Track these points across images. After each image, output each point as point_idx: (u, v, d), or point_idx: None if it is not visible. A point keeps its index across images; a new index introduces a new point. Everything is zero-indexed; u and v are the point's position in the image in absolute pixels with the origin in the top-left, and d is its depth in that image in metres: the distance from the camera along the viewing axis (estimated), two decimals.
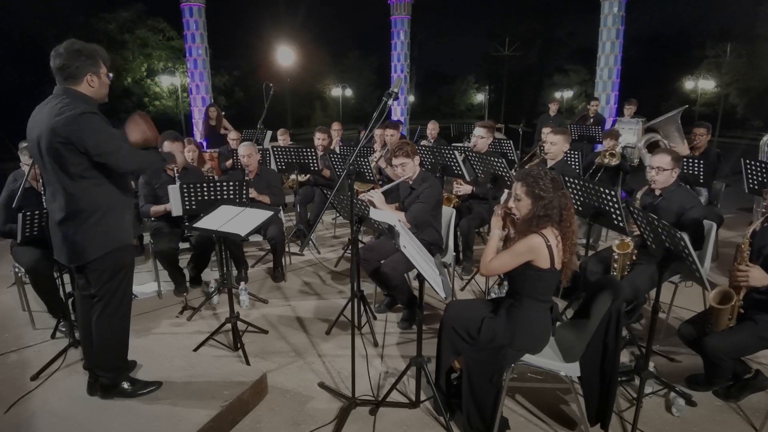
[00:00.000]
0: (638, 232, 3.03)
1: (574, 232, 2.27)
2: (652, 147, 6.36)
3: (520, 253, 2.24)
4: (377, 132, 5.87)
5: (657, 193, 3.25)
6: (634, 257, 3.10)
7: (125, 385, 2.52)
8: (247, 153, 4.43)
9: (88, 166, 2.17)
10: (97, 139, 2.12)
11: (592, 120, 8.35)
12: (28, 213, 3.05)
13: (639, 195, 3.27)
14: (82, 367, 2.64)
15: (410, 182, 3.58)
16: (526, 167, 2.46)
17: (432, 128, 6.66)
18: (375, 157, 5.52)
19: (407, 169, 3.50)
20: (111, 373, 2.48)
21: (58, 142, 2.09)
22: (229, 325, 3.16)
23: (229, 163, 6.27)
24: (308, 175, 5.56)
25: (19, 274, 3.48)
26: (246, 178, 4.38)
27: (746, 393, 2.64)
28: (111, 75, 2.34)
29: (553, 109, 8.77)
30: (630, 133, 6.97)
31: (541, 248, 2.20)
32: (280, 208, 4.50)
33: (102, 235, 2.27)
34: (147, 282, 4.32)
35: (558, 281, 2.31)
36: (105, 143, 2.15)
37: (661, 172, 3.16)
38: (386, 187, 3.60)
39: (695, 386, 2.71)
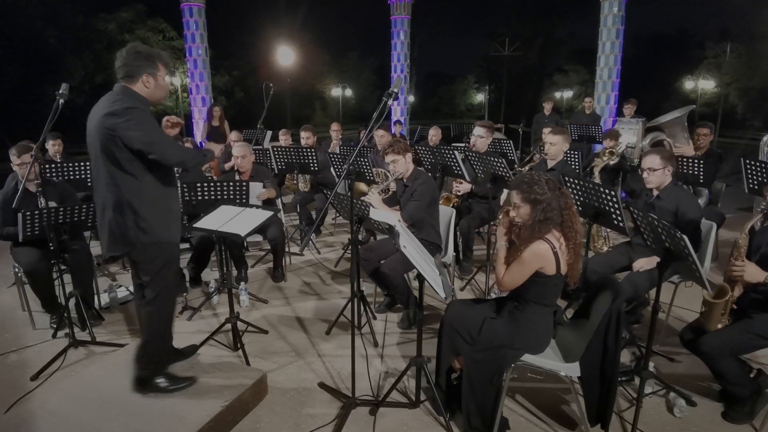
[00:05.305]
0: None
1: (577, 231, 2.25)
2: (657, 146, 6.35)
3: (528, 262, 2.22)
4: (378, 132, 5.87)
5: (654, 193, 3.25)
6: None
7: (161, 380, 2.54)
8: (241, 154, 4.37)
9: (133, 159, 2.23)
10: (142, 132, 2.20)
11: (586, 119, 8.33)
12: (28, 213, 3.05)
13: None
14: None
15: (404, 180, 3.60)
16: (519, 174, 2.45)
17: (434, 134, 6.63)
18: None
19: (398, 166, 3.52)
20: (150, 367, 2.52)
21: (106, 133, 2.18)
22: (229, 325, 3.16)
23: (228, 164, 6.26)
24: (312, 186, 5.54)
25: (19, 275, 3.48)
26: (237, 179, 4.25)
27: (761, 404, 2.48)
28: (168, 77, 2.43)
29: (547, 108, 8.72)
30: (630, 133, 6.97)
31: (547, 254, 2.18)
32: (280, 208, 4.47)
33: (142, 228, 2.31)
34: None
35: (564, 285, 2.31)
36: (149, 135, 2.22)
37: (652, 173, 3.16)
38: (381, 186, 3.61)
39: (730, 409, 2.53)
